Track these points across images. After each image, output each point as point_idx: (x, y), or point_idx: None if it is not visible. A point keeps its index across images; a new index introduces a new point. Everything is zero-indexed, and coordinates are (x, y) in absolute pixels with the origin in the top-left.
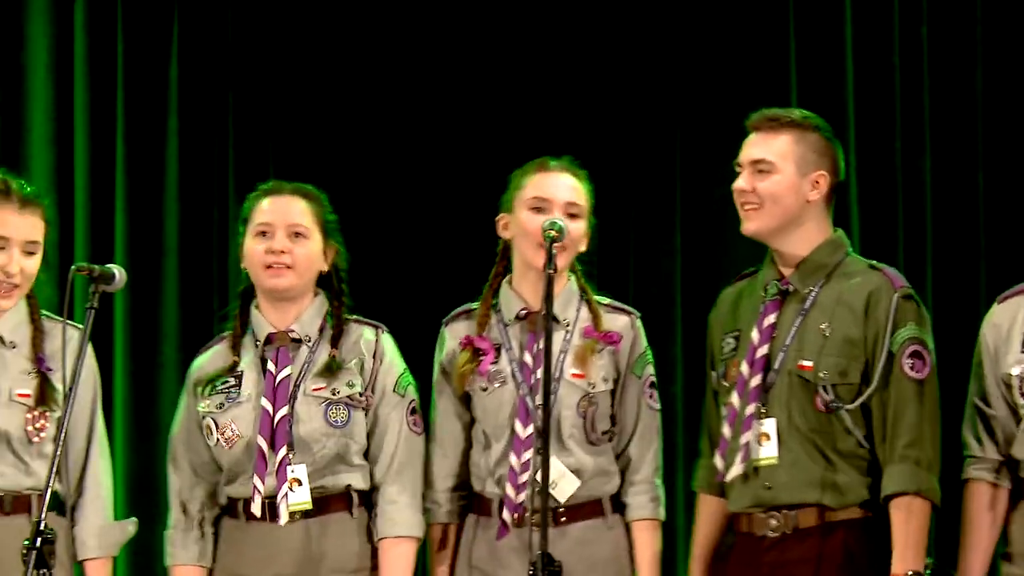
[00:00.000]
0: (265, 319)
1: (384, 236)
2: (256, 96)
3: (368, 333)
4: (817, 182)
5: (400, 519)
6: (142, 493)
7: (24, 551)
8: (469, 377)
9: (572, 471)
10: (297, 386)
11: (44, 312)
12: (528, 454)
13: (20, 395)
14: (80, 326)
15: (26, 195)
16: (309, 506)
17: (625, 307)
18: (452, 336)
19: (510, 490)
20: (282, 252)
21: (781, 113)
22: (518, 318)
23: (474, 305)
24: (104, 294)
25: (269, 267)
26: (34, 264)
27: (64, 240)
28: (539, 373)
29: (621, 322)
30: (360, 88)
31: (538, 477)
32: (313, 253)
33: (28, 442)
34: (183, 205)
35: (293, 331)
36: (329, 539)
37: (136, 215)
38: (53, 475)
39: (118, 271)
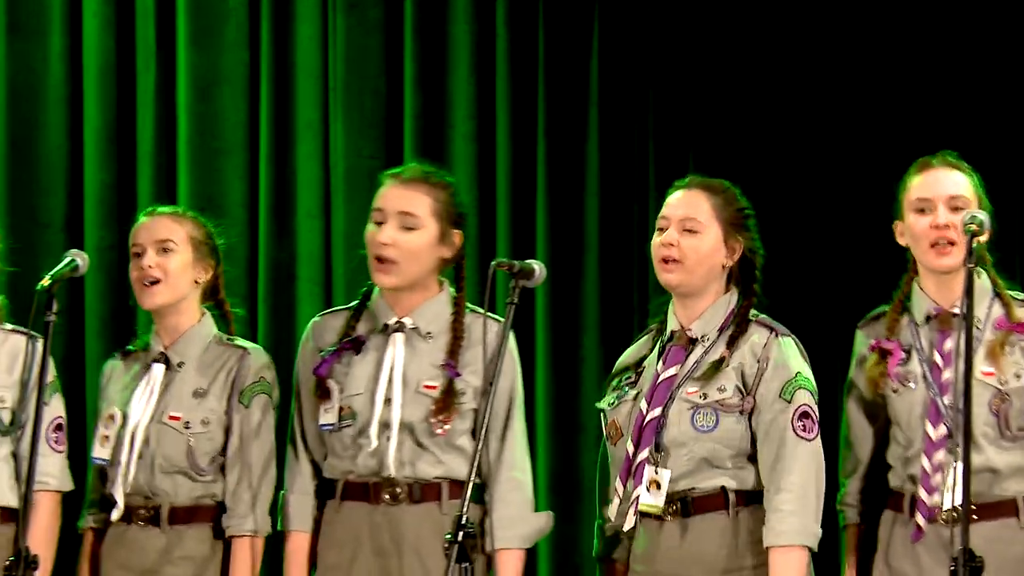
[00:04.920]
0: (675, 316)
1: (802, 234)
2: (676, 90)
3: (759, 336)
4: None
5: (782, 528)
6: (564, 486)
7: (446, 544)
8: (879, 380)
9: (985, 470)
10: (678, 387)
11: (473, 307)
12: (940, 455)
13: (427, 387)
14: (500, 318)
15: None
16: (659, 511)
17: None
18: (865, 338)
19: (923, 493)
20: (670, 246)
21: None
22: (928, 318)
23: (887, 308)
24: (524, 289)
25: (663, 261)
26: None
27: (485, 236)
28: (948, 373)
29: None
30: (779, 83)
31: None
32: (705, 246)
33: (431, 434)
34: (603, 200)
35: (691, 330)
36: (702, 538)
37: (556, 210)
38: (474, 468)
39: (538, 266)
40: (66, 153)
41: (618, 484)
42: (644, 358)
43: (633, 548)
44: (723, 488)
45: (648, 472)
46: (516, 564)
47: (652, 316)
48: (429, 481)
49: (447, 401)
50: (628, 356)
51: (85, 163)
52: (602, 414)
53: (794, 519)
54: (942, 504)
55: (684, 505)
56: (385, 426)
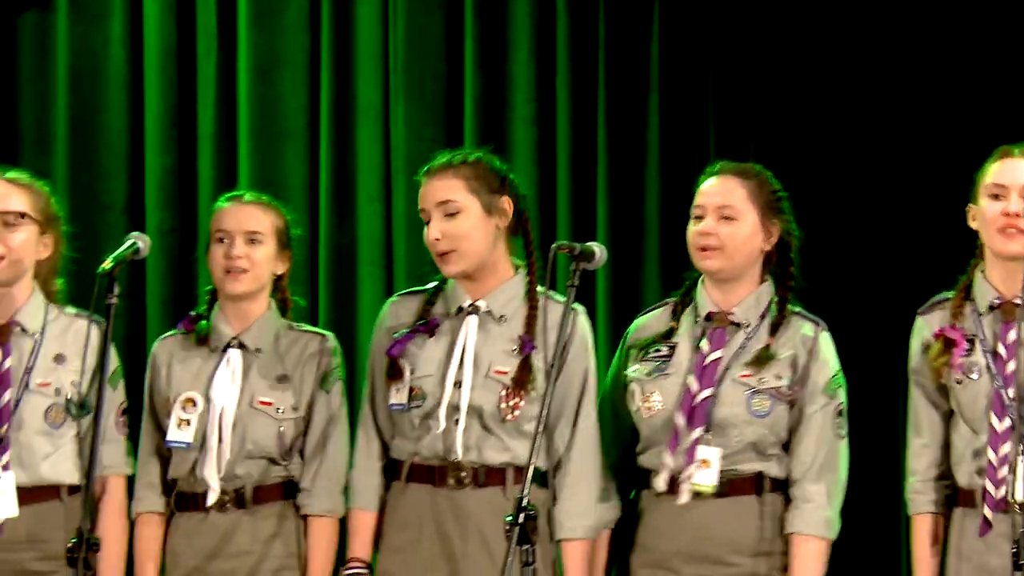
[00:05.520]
0: (709, 297)
1: (864, 220)
2: (737, 74)
3: (807, 329)
4: None
5: (813, 519)
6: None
7: (507, 527)
8: (943, 370)
9: None
10: (726, 369)
11: (549, 292)
12: (1006, 448)
13: (498, 371)
14: (562, 297)
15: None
16: (713, 489)
17: None
18: (926, 326)
19: (990, 485)
20: (708, 234)
21: None
22: (991, 308)
23: (949, 294)
24: (585, 272)
25: (700, 249)
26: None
27: (546, 219)
28: (1012, 364)
29: None
30: (842, 68)
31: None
32: (743, 233)
33: (501, 419)
34: (663, 183)
35: (733, 314)
36: (738, 521)
37: (617, 193)
38: (535, 450)
39: (599, 249)
40: (127, 136)
41: (667, 457)
42: (671, 332)
43: (648, 523)
44: (759, 473)
45: (700, 451)
46: (582, 554)
47: (675, 291)
48: (495, 466)
49: (521, 380)
50: (649, 325)
51: (146, 146)
52: (634, 382)
53: (826, 512)
54: (1009, 496)
55: (724, 486)
56: (454, 409)
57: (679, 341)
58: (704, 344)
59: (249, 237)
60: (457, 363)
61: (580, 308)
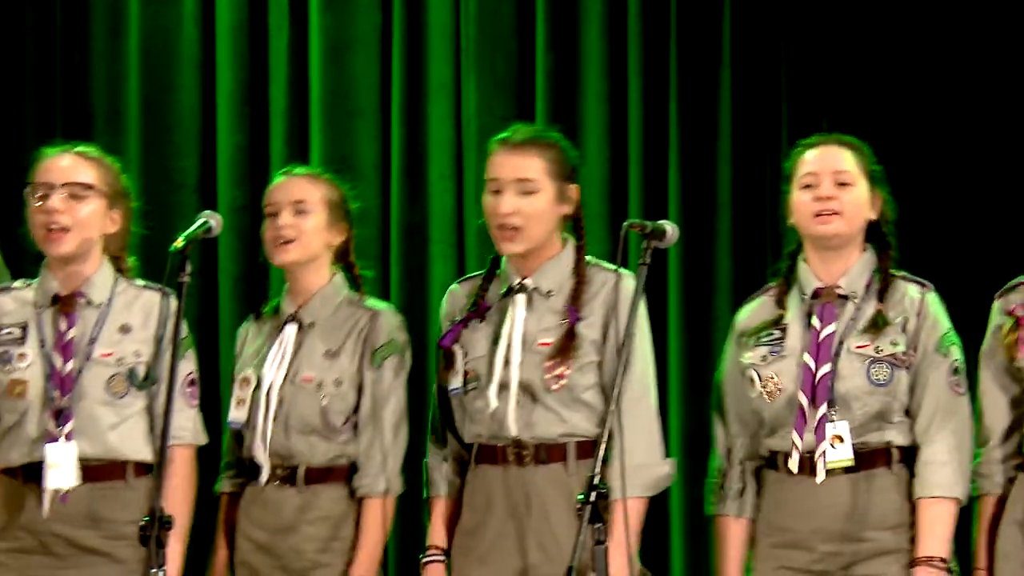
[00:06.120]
0: (812, 273)
1: (939, 192)
2: (809, 48)
3: (913, 291)
4: None
5: (935, 480)
6: (697, 447)
7: (578, 505)
8: (1014, 348)
9: None
10: (841, 343)
11: (595, 260)
12: None
13: (541, 344)
14: (627, 272)
15: None
16: (851, 463)
17: None
18: (1001, 308)
19: None
20: (829, 199)
21: None
22: None
23: None
24: (656, 250)
25: (817, 215)
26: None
27: (617, 196)
28: None
29: None
30: (914, 38)
31: None
32: (859, 201)
33: (547, 391)
34: (736, 159)
35: (840, 287)
36: (872, 495)
37: (688, 170)
38: (607, 429)
39: (670, 227)
40: (199, 115)
41: (796, 438)
42: (780, 316)
43: (778, 504)
44: (888, 444)
45: (830, 428)
46: (625, 511)
47: (773, 276)
48: (555, 442)
49: (564, 346)
50: (756, 313)
51: (218, 125)
52: (751, 369)
53: (948, 471)
54: None
55: (855, 460)
56: (504, 387)
57: (789, 323)
58: (815, 321)
59: (296, 208)
60: (505, 342)
61: (627, 273)
